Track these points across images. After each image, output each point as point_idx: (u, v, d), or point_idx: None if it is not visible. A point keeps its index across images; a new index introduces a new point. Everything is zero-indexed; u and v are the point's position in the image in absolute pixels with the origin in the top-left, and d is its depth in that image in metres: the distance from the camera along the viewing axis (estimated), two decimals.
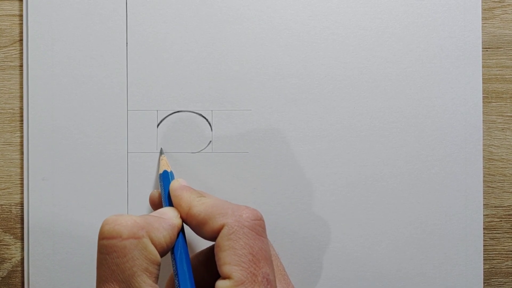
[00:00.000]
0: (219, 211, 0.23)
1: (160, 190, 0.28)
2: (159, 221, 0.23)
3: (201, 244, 0.29)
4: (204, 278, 0.25)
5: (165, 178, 0.28)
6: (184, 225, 0.24)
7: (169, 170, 0.28)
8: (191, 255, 0.25)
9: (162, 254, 0.22)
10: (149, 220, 0.22)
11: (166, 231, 0.22)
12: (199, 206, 0.23)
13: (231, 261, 0.21)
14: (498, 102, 0.32)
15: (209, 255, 0.25)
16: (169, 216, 0.24)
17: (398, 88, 0.32)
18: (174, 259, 0.23)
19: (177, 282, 0.22)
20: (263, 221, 0.23)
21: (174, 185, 0.26)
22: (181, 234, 0.24)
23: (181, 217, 0.24)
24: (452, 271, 0.31)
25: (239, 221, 0.22)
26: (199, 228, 0.23)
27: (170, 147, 0.31)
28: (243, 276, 0.21)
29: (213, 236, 0.22)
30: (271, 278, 0.22)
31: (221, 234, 0.22)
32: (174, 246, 0.23)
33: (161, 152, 0.31)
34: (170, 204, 0.26)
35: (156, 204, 0.28)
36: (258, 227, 0.22)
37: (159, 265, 0.22)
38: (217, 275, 0.23)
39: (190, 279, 0.22)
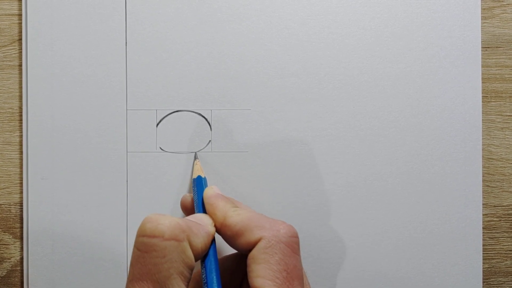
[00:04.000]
0: (256, 223, 0.22)
1: (193, 195, 0.28)
2: (197, 227, 0.22)
3: (227, 250, 0.29)
4: (226, 284, 0.25)
5: (199, 183, 0.28)
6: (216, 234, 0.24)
7: (203, 176, 0.28)
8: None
9: (196, 259, 0.22)
10: (190, 224, 0.22)
11: (203, 237, 0.22)
12: (235, 217, 0.23)
13: (265, 275, 0.21)
14: (497, 101, 0.32)
15: (235, 263, 0.25)
16: (205, 223, 0.24)
17: (398, 88, 0.32)
18: (204, 266, 0.23)
19: None
20: (298, 238, 0.23)
21: (208, 192, 0.26)
22: (213, 243, 0.24)
23: (216, 227, 0.24)
24: (452, 271, 0.31)
25: (277, 236, 0.22)
26: (234, 239, 0.23)
27: (169, 146, 0.31)
28: None
29: (247, 248, 0.22)
30: None
31: (257, 247, 0.22)
32: (206, 254, 0.23)
33: (196, 157, 0.31)
34: (204, 210, 0.26)
35: (188, 209, 0.28)
36: (294, 244, 0.22)
37: (192, 269, 0.22)
38: (240, 284, 0.23)
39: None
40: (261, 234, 0.22)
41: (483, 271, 0.32)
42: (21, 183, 0.32)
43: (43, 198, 0.31)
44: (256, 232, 0.22)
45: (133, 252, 0.21)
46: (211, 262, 0.23)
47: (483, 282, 0.32)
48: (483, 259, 0.32)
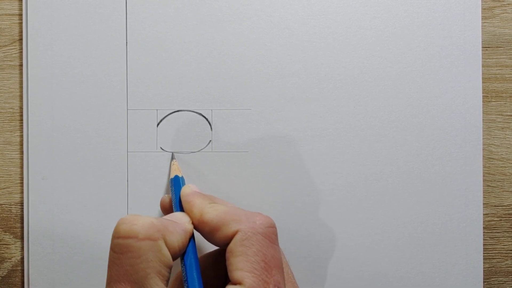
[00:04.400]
0: (233, 217, 0.23)
1: (171, 195, 0.28)
2: (173, 225, 0.22)
3: (207, 247, 0.29)
4: (210, 281, 0.25)
5: (176, 183, 0.28)
6: (195, 231, 0.24)
7: (180, 175, 0.28)
8: (198, 255, 0.25)
9: (174, 258, 0.22)
10: (165, 223, 0.22)
11: (179, 235, 0.22)
12: (211, 213, 0.23)
13: (244, 267, 0.21)
14: (497, 101, 0.32)
15: (217, 258, 0.25)
16: (182, 221, 0.24)
17: (398, 88, 0.32)
18: (184, 264, 0.23)
19: (186, 287, 0.22)
20: (276, 228, 0.23)
21: (185, 191, 0.26)
22: (192, 240, 0.24)
23: (193, 224, 0.24)
24: (452, 270, 0.31)
25: (253, 227, 0.22)
26: (212, 235, 0.23)
27: (169, 146, 0.31)
28: (255, 283, 0.21)
29: (225, 242, 0.22)
30: (282, 287, 0.22)
31: (234, 240, 0.22)
32: (185, 251, 0.23)
33: (173, 157, 0.31)
34: (181, 209, 0.26)
35: (167, 209, 0.28)
36: (271, 234, 0.22)
37: (170, 268, 0.22)
38: (224, 279, 0.23)
39: (199, 285, 0.22)
40: (237, 227, 0.22)
41: (483, 271, 0.32)
42: (22, 183, 0.32)
43: (44, 198, 0.31)
44: (233, 225, 0.22)
45: (109, 255, 0.21)
46: (190, 259, 0.23)
47: (484, 282, 0.32)
48: (483, 259, 0.32)
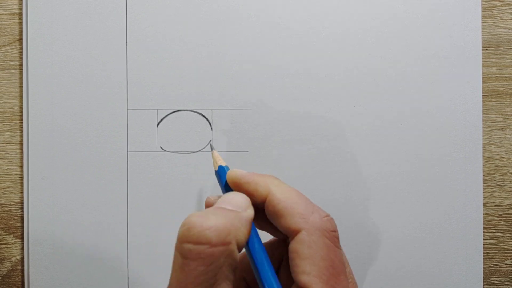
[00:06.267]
0: (300, 210, 0.22)
1: (220, 186, 0.26)
2: (240, 219, 0.21)
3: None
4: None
5: (222, 173, 0.26)
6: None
7: (224, 165, 0.26)
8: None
9: (239, 251, 0.21)
10: (234, 222, 0.20)
11: (244, 227, 0.21)
12: (279, 194, 0.22)
13: (311, 272, 0.20)
14: (497, 101, 0.32)
15: (271, 250, 0.24)
16: (243, 206, 0.22)
17: (398, 88, 0.32)
18: (248, 248, 0.22)
19: (258, 276, 0.21)
20: (337, 231, 0.22)
21: (239, 173, 0.24)
22: (253, 225, 0.22)
23: (257, 204, 0.23)
24: (452, 270, 0.31)
25: (320, 230, 0.21)
26: (275, 217, 0.22)
27: (170, 146, 0.31)
28: None
29: (285, 232, 0.22)
30: None
31: (299, 239, 0.21)
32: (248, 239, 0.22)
33: (212, 148, 0.29)
34: None
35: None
36: (335, 239, 0.22)
37: (237, 268, 0.21)
38: (276, 271, 0.22)
39: (269, 266, 0.21)
40: (303, 225, 0.21)
41: (483, 270, 0.32)
42: (22, 183, 0.32)
43: (44, 198, 0.31)
44: (297, 221, 0.21)
45: (176, 258, 0.20)
46: (253, 242, 0.22)
47: (484, 281, 0.32)
48: (483, 258, 0.32)
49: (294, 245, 0.21)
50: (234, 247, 0.20)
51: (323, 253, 0.21)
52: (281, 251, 0.24)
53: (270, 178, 0.23)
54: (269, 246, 0.25)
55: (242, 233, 0.21)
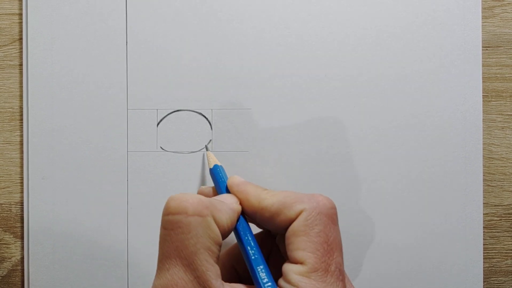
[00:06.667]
0: (295, 199, 0.23)
1: (214, 184, 0.28)
2: (221, 204, 0.23)
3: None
4: (232, 275, 0.25)
5: (217, 172, 0.28)
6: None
7: (219, 164, 0.28)
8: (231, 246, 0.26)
9: (223, 236, 0.22)
10: (213, 201, 0.22)
11: (227, 213, 0.22)
12: (270, 198, 0.23)
13: (306, 247, 0.21)
14: (498, 101, 0.32)
15: (260, 240, 0.25)
16: (230, 201, 0.24)
17: (398, 87, 0.32)
18: (237, 231, 0.24)
19: (249, 264, 0.22)
20: (336, 209, 0.23)
21: (234, 181, 0.26)
22: (241, 217, 0.24)
23: (248, 212, 0.24)
24: (452, 270, 0.31)
25: (317, 207, 0.22)
26: (272, 220, 0.23)
27: (170, 146, 0.31)
28: (317, 264, 0.21)
29: (286, 225, 0.22)
30: (342, 269, 0.22)
31: (298, 220, 0.22)
32: (238, 227, 0.24)
33: (207, 148, 0.31)
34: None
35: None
36: (333, 216, 0.22)
37: (220, 245, 0.22)
38: (266, 260, 0.23)
39: (255, 245, 0.23)
40: (302, 207, 0.22)
41: (483, 270, 0.32)
42: (22, 183, 0.32)
43: (44, 197, 0.31)
44: (296, 207, 0.22)
45: (160, 232, 0.22)
46: (243, 226, 0.24)
47: (484, 281, 0.32)
48: (483, 258, 0.32)
49: (292, 226, 0.22)
50: (211, 220, 0.21)
51: (318, 229, 0.22)
52: (269, 242, 0.26)
53: (259, 187, 0.25)
54: (258, 237, 0.26)
55: (223, 216, 0.22)
